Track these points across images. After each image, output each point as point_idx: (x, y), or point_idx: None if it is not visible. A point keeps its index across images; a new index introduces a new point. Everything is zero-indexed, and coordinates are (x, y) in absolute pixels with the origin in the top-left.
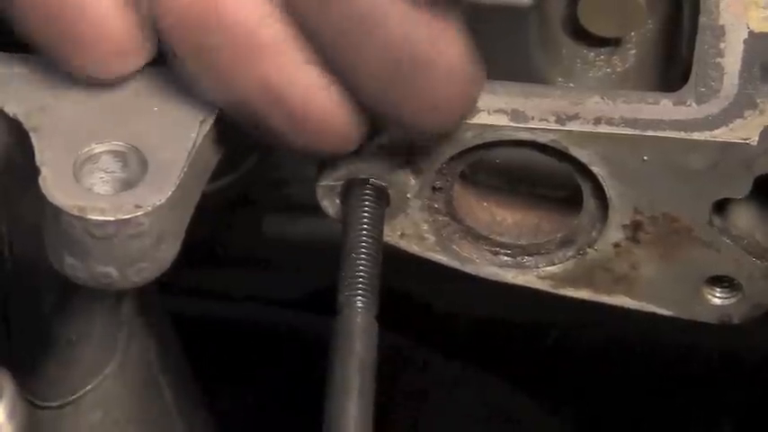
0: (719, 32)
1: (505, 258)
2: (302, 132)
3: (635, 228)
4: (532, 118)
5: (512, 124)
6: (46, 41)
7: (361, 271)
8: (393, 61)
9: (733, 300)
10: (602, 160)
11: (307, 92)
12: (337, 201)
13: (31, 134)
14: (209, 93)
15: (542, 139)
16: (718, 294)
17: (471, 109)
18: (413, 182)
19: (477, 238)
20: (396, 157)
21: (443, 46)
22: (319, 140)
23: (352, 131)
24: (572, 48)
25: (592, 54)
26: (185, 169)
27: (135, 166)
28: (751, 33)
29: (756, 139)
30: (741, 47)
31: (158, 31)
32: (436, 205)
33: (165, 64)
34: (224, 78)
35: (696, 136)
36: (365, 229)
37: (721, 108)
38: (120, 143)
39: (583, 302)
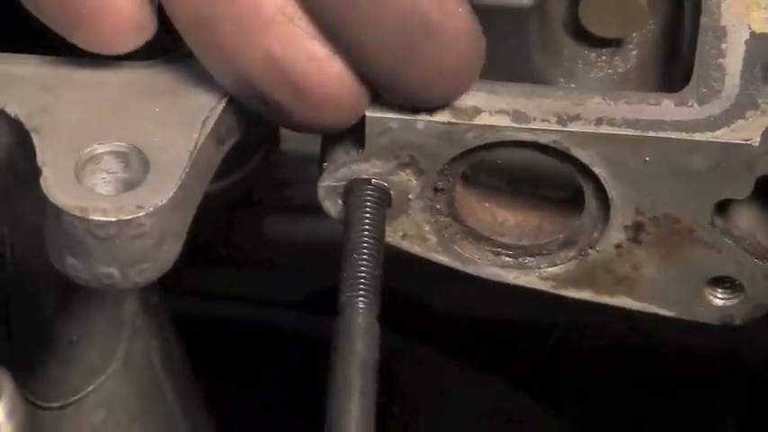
0: (721, 33)
1: (507, 259)
2: (306, 106)
3: (636, 228)
4: (534, 119)
5: (513, 125)
6: (49, 15)
7: (363, 271)
8: (403, 30)
9: (735, 301)
10: (604, 161)
11: (310, 64)
12: (339, 201)
13: (33, 135)
14: (212, 69)
15: (544, 139)
16: (719, 295)
17: (475, 77)
18: (414, 183)
19: (478, 238)
20: (397, 157)
21: (451, 9)
22: (323, 114)
23: (356, 103)
24: (573, 48)
25: (593, 55)
26: (187, 170)
27: (137, 167)
28: (752, 34)
29: (758, 139)
30: (742, 47)
31: (162, 4)
32: (438, 206)
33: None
34: (227, 52)
35: (698, 137)
36: (367, 230)
37: (723, 109)
38: (122, 143)
39: (585, 303)
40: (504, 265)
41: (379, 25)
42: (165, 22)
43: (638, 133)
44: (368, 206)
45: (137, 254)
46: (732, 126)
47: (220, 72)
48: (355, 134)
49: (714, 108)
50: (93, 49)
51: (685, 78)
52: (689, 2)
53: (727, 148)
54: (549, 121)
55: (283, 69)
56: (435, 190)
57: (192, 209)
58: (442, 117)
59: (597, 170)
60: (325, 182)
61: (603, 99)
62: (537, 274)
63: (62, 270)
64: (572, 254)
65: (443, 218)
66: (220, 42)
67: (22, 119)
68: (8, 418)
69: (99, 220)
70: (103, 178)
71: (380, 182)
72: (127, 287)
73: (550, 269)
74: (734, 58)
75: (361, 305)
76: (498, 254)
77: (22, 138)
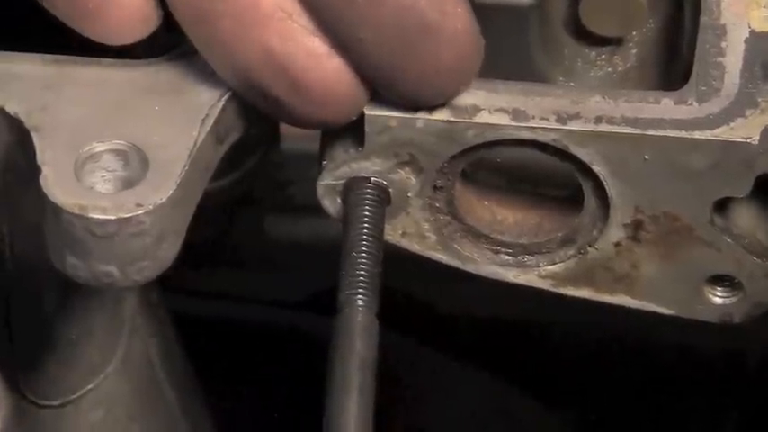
0: (721, 31)
1: (506, 257)
2: (305, 101)
3: (636, 227)
4: (533, 117)
5: (513, 123)
6: (58, 6)
7: (362, 269)
8: (401, 29)
9: (734, 299)
10: (603, 159)
11: (308, 60)
12: (338, 200)
13: (33, 133)
14: (212, 62)
15: (543, 138)
16: (719, 293)
17: (473, 75)
18: (414, 181)
19: (478, 237)
20: (397, 155)
21: (449, 9)
22: (322, 109)
23: (355, 99)
24: (573, 47)
25: (593, 53)
26: (187, 168)
27: (136, 165)
28: (752, 33)
29: (757, 138)
30: (742, 46)
31: None
32: (437, 204)
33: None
34: (227, 47)
35: (697, 135)
36: (366, 228)
37: (722, 107)
38: (122, 142)
39: (584, 302)
40: (504, 264)
41: (377, 24)
42: (166, 19)
43: (637, 132)
44: (367, 204)
45: (136, 252)
46: (732, 124)
47: (220, 65)
48: (355, 132)
49: (714, 106)
50: (101, 40)
51: (685, 77)
52: (689, 0)
53: (727, 146)
54: (548, 119)
55: (282, 64)
56: (435, 188)
57: (191, 207)
58: (441, 115)
59: (596, 168)
60: (325, 180)
61: (603, 97)
62: (536, 272)
63: (62, 269)
64: (571, 252)
65: (443, 216)
66: (220, 36)
67: (22, 117)
68: None
69: (98, 219)
70: (103, 177)
71: (380, 180)
72: (126, 285)
73: (550, 267)
74: (733, 56)
75: (360, 303)
76: (497, 252)
77: (21, 136)
